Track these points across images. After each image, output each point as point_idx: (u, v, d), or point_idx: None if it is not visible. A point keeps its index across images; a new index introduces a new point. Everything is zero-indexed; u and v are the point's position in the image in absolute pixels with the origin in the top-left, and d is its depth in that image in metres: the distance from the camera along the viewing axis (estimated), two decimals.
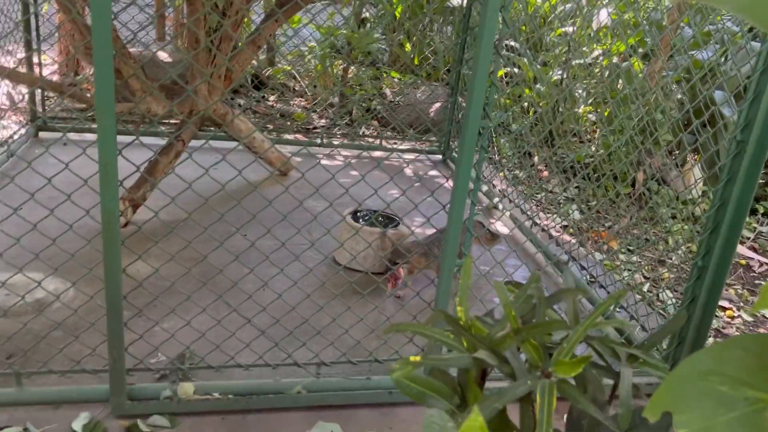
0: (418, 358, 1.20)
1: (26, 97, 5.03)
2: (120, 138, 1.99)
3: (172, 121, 5.20)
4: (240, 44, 3.70)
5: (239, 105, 6.39)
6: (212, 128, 4.33)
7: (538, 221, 4.26)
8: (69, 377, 2.39)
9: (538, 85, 5.97)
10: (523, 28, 6.25)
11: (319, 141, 5.53)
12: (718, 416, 0.79)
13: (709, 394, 0.80)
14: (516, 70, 6.03)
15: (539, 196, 5.15)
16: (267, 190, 4.07)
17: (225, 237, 2.71)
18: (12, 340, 2.44)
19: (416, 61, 7.45)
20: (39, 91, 4.88)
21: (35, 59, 4.75)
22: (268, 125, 5.97)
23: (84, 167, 2.27)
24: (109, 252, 2.04)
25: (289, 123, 6.22)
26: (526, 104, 6.14)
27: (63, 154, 2.29)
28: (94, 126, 4.97)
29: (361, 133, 6.16)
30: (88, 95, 2.93)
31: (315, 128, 6.18)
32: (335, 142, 5.64)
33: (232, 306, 2.51)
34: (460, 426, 0.80)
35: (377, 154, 5.41)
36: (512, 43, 6.30)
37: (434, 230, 3.36)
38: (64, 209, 2.27)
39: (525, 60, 5.96)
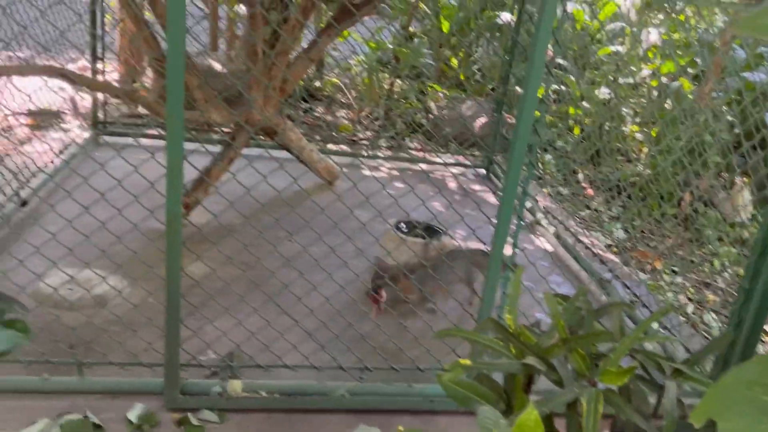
0: (468, 362, 1.26)
1: (87, 103, 5.28)
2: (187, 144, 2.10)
3: (225, 130, 5.38)
4: (295, 57, 3.83)
5: (289, 116, 6.56)
6: (262, 138, 4.48)
7: (581, 239, 4.26)
8: (126, 369, 2.51)
9: (584, 103, 5.97)
10: (572, 46, 6.27)
11: (364, 153, 5.63)
12: (762, 425, 0.83)
13: (754, 404, 0.83)
14: (563, 87, 6.04)
15: (583, 213, 5.14)
16: (316, 198, 4.18)
17: (276, 242, 2.81)
18: (75, 331, 2.58)
19: (462, 77, 7.51)
20: (100, 97, 5.12)
21: (93, 67, 4.98)
22: (316, 136, 6.11)
23: (145, 171, 2.40)
24: (172, 251, 2.16)
25: (335, 134, 6.35)
26: (571, 122, 6.14)
27: (121, 158, 2.42)
28: (151, 132, 5.17)
29: (405, 146, 6.25)
30: (153, 103, 3.07)
31: (360, 140, 6.29)
32: (380, 154, 5.74)
33: (282, 308, 2.60)
34: (514, 422, 0.85)
35: (421, 167, 5.48)
36: (560, 61, 6.31)
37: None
38: (126, 210, 2.41)
39: (572, 78, 5.97)
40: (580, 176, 5.65)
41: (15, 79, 2.95)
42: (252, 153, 3.17)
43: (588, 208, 5.24)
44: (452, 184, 5.33)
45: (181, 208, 2.13)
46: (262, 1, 3.33)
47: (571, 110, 5.99)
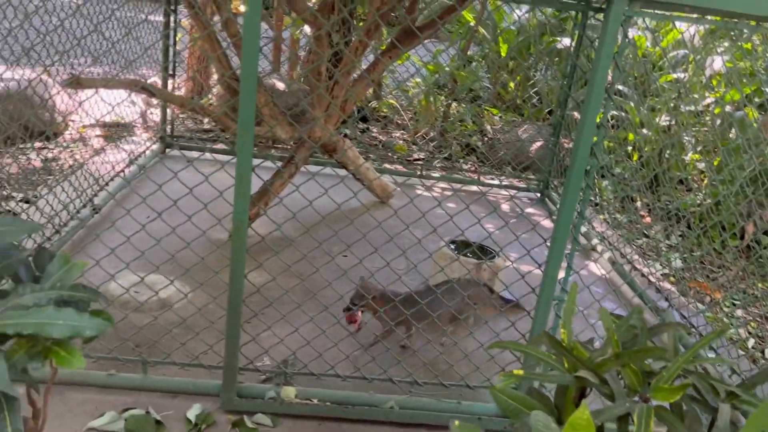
0: (521, 372, 1.30)
1: (155, 117, 5.55)
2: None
3: (285, 146, 5.55)
4: (356, 77, 3.95)
5: (347, 135, 6.71)
6: (320, 155, 4.61)
7: (637, 266, 4.20)
8: (186, 370, 2.63)
9: (644, 130, 5.90)
10: (632, 72, 6.21)
11: (418, 173, 5.71)
12: None
13: None
14: (622, 113, 5.98)
15: (640, 241, 5.06)
16: (366, 216, 4.28)
17: (333, 254, 2.90)
18: (141, 331, 2.72)
19: (519, 100, 7.53)
20: (169, 111, 5.37)
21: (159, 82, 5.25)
22: (371, 155, 6.22)
23: (209, 183, 2.52)
24: (236, 258, 2.27)
25: (390, 154, 6.46)
26: (630, 148, 6.06)
27: (187, 171, 2.56)
28: (216, 147, 5.36)
29: (459, 167, 6.29)
30: (225, 117, 3.24)
31: (415, 160, 6.37)
32: (434, 175, 5.80)
33: (336, 318, 2.68)
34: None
35: (475, 188, 5.51)
36: (619, 87, 6.26)
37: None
38: (193, 219, 2.54)
39: (632, 104, 5.91)
40: (638, 203, 5.57)
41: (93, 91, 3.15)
42: (311, 169, 3.29)
43: (645, 236, 5.15)
44: (506, 207, 5.34)
45: (247, 217, 2.24)
46: (328, 24, 3.47)
47: (630, 136, 5.93)
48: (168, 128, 5.41)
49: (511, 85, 7.78)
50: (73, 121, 5.87)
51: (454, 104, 7.39)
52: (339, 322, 2.71)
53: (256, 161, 2.47)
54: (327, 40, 3.37)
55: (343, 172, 4.36)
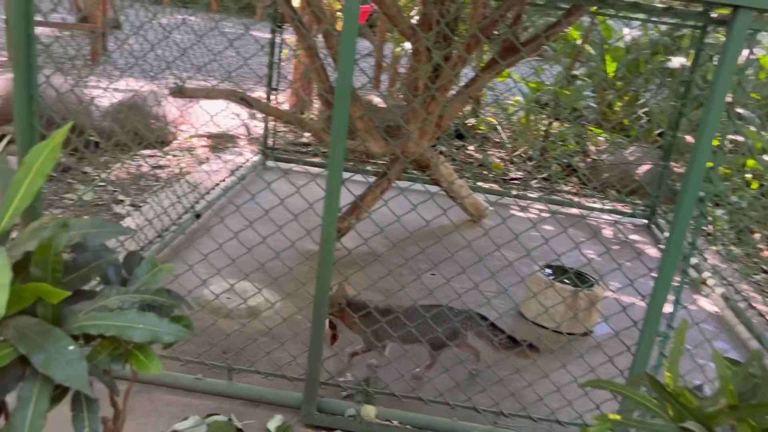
0: (617, 417, 1.17)
1: (259, 129, 5.74)
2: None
3: (379, 161, 5.56)
4: (455, 93, 3.89)
5: (442, 152, 6.65)
6: (414, 171, 4.57)
7: (754, 304, 3.83)
8: (269, 380, 2.63)
9: (766, 156, 5.42)
10: (755, 95, 5.75)
11: (514, 192, 5.54)
12: None
13: None
14: (742, 138, 5.54)
15: (758, 276, 4.62)
16: (456, 234, 4.17)
17: (419, 272, 2.83)
18: (228, 338, 2.76)
19: (626, 121, 7.17)
20: (270, 124, 5.53)
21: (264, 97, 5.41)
22: (465, 173, 6.12)
23: (304, 195, 2.53)
24: (323, 271, 2.25)
25: (485, 172, 6.32)
26: (749, 176, 5.59)
27: (285, 182, 2.58)
28: (314, 159, 5.47)
29: (559, 188, 6.05)
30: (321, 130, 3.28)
31: (511, 180, 6.20)
32: (531, 195, 5.61)
33: (421, 339, 2.60)
34: None
35: (574, 211, 5.27)
36: (740, 110, 5.81)
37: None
38: (284, 229, 2.56)
39: (753, 128, 5.46)
40: (757, 236, 5.11)
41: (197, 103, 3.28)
42: (402, 185, 3.25)
43: (764, 271, 4.70)
44: (608, 232, 5.06)
45: (335, 230, 2.21)
46: (427, 37, 3.44)
47: (750, 163, 5.46)
48: (269, 140, 5.58)
49: (618, 104, 7.43)
50: (182, 131, 6.18)
51: (555, 123, 7.14)
52: (421, 342, 2.62)
53: (348, 174, 2.46)
54: (426, 54, 3.33)
55: (435, 188, 4.29)
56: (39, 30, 2.20)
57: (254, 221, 2.58)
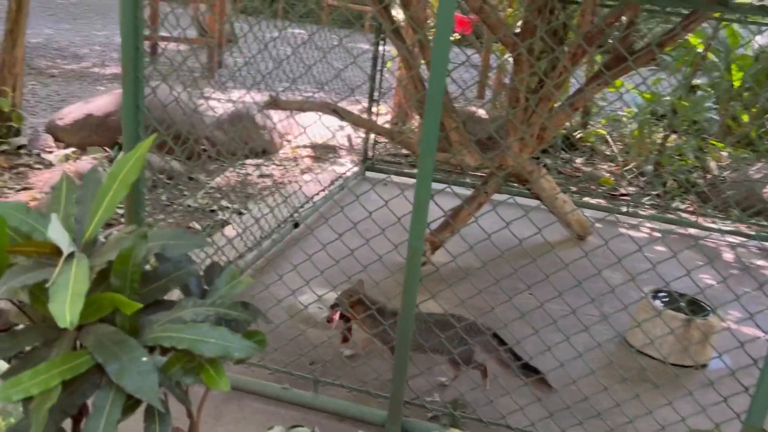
0: None
1: (360, 141, 5.80)
2: (433, 185, 2.12)
3: (478, 173, 5.43)
4: (558, 105, 3.71)
5: (545, 164, 6.40)
6: (516, 184, 4.40)
7: None
8: (354, 394, 2.59)
9: None
10: None
11: (624, 209, 5.21)
12: None
13: None
14: None
15: None
16: (562, 252, 3.96)
17: (514, 293, 2.69)
18: (316, 349, 2.76)
19: (753, 134, 6.58)
20: (372, 136, 5.56)
21: (374, 109, 5.44)
22: (572, 187, 5.84)
23: (399, 207, 2.48)
24: (409, 286, 2.18)
25: (593, 187, 6.00)
26: None
27: (384, 192, 2.54)
28: (413, 171, 5.41)
29: (673, 206, 5.63)
30: (413, 142, 3.23)
31: (622, 195, 5.84)
32: (642, 213, 5.25)
33: (513, 367, 2.46)
34: None
35: (691, 232, 4.87)
36: None
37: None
38: (376, 241, 2.51)
39: None
40: None
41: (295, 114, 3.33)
42: (499, 198, 3.12)
43: None
44: (728, 256, 4.63)
45: (423, 244, 2.14)
46: (531, 48, 3.30)
47: None
48: (370, 152, 5.61)
49: (745, 117, 6.83)
50: (288, 141, 6.36)
51: (672, 136, 6.68)
52: (513, 369, 2.48)
53: (442, 186, 2.38)
54: (527, 65, 3.19)
55: (535, 202, 4.11)
56: (164, 44, 2.30)
57: (343, 233, 2.56)
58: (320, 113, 2.89)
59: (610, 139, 7.05)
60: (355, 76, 4.88)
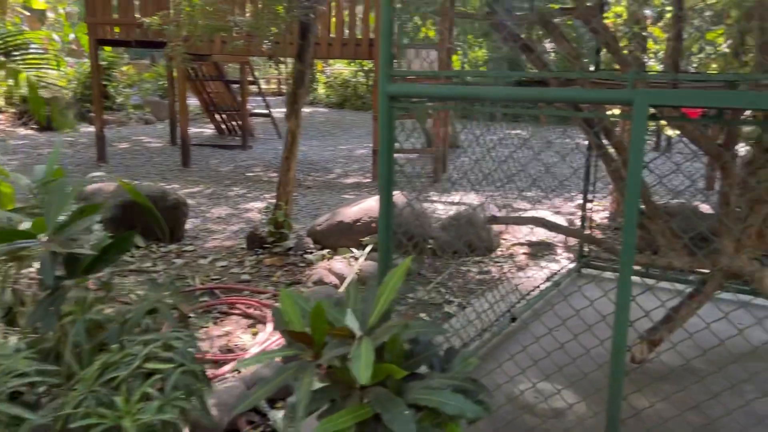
0: None
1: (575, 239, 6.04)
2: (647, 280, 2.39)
3: (701, 270, 5.33)
4: None
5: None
6: (742, 283, 4.30)
7: None
8: None
9: None
10: None
11: None
12: None
13: None
14: None
15: None
16: None
17: (739, 392, 2.74)
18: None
19: None
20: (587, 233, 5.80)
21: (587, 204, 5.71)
22: None
23: (608, 304, 2.78)
24: (614, 383, 2.43)
25: None
26: None
27: (596, 290, 2.86)
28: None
29: None
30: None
31: None
32: None
33: None
34: None
35: None
36: None
37: None
38: (585, 337, 2.83)
39: None
40: None
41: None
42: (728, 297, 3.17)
43: None
44: None
45: (625, 340, 2.42)
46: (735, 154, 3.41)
47: None
48: (586, 248, 5.82)
49: None
50: (505, 239, 6.85)
51: None
52: None
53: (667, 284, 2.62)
54: (733, 170, 3.32)
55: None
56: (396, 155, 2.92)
57: (554, 328, 2.92)
58: (532, 226, 3.33)
59: None
60: (568, 172, 5.24)
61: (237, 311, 4.88)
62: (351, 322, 1.79)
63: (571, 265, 5.77)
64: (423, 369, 1.98)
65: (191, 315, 4.77)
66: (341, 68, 24.32)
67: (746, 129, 6.14)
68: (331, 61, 23.99)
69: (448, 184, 8.99)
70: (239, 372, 3.78)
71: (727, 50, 6.97)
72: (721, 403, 2.69)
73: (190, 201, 8.43)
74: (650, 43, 8.10)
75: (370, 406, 1.74)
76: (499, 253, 6.58)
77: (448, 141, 11.30)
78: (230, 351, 4.27)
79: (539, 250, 6.51)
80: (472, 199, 7.50)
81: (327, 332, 1.78)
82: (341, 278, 5.37)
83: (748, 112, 3.69)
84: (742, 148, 6.06)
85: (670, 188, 3.67)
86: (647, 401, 3.01)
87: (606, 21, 5.79)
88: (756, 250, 3.74)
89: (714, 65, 7.33)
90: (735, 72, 5.68)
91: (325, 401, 1.79)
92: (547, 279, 5.29)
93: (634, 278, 2.41)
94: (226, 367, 3.88)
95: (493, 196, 7.52)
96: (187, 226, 7.08)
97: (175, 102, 13.19)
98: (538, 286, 5.10)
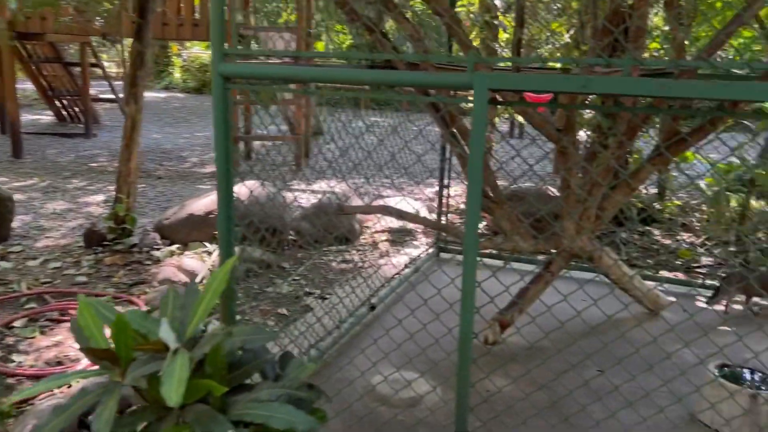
0: None
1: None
2: (497, 262, 2.36)
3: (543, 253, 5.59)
4: (614, 186, 3.89)
5: (621, 238, 6.44)
6: (583, 261, 4.53)
7: None
8: None
9: None
10: None
11: (700, 282, 5.17)
12: None
13: None
14: None
15: None
16: (634, 328, 4.02)
17: (582, 371, 2.82)
18: (386, 426, 2.99)
19: None
20: (443, 220, 5.88)
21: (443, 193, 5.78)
22: (649, 260, 5.85)
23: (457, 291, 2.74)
24: (462, 370, 2.39)
25: (670, 260, 5.98)
26: None
27: (454, 272, 2.81)
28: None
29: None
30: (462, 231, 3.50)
31: (700, 267, 5.78)
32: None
33: None
34: None
35: None
36: None
37: None
38: (436, 325, 2.77)
39: None
40: None
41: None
42: (580, 276, 3.29)
43: None
44: None
45: (471, 331, 2.38)
46: (574, 141, 3.54)
47: None
48: (444, 234, 5.89)
49: None
50: (368, 227, 6.78)
51: (758, 203, 6.57)
52: None
53: (519, 265, 2.62)
54: (574, 152, 3.44)
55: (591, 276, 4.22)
56: (257, 143, 2.69)
57: (405, 317, 2.84)
58: (380, 215, 3.25)
59: (688, 210, 7.00)
60: (432, 160, 5.27)
61: (69, 318, 4.38)
62: (166, 333, 1.56)
63: (431, 250, 5.82)
64: (257, 378, 1.79)
65: (14, 325, 4.22)
66: (199, 51, 23.19)
67: (587, 115, 6.52)
68: (188, 44, 22.80)
69: (310, 171, 8.79)
70: (69, 386, 3.36)
71: (569, 40, 7.37)
72: (563, 385, 2.75)
73: (19, 196, 7.55)
74: (501, 33, 8.39)
75: (189, 427, 1.52)
76: (362, 241, 6.51)
77: (311, 128, 11.08)
78: (60, 363, 3.81)
79: (400, 237, 6.51)
80: (337, 187, 7.37)
81: (135, 347, 1.54)
82: (192, 275, 5.01)
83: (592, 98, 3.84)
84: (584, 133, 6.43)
85: (514, 174, 3.74)
86: (496, 386, 3.04)
87: (458, 9, 5.85)
88: (594, 230, 3.92)
89: (558, 54, 7.73)
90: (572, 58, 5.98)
91: (135, 425, 1.55)
92: (406, 266, 5.28)
93: (489, 261, 2.43)
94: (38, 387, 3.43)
95: (356, 184, 7.45)
96: (15, 224, 6.31)
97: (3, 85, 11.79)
98: (398, 273, 5.07)
